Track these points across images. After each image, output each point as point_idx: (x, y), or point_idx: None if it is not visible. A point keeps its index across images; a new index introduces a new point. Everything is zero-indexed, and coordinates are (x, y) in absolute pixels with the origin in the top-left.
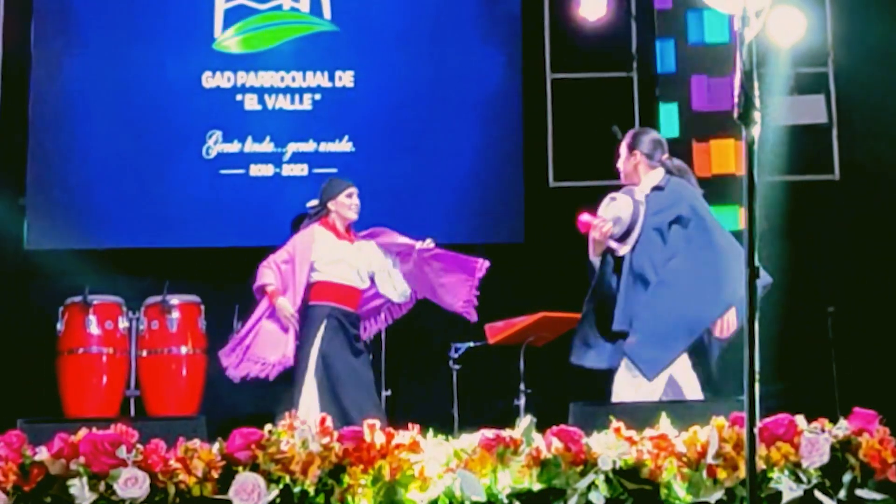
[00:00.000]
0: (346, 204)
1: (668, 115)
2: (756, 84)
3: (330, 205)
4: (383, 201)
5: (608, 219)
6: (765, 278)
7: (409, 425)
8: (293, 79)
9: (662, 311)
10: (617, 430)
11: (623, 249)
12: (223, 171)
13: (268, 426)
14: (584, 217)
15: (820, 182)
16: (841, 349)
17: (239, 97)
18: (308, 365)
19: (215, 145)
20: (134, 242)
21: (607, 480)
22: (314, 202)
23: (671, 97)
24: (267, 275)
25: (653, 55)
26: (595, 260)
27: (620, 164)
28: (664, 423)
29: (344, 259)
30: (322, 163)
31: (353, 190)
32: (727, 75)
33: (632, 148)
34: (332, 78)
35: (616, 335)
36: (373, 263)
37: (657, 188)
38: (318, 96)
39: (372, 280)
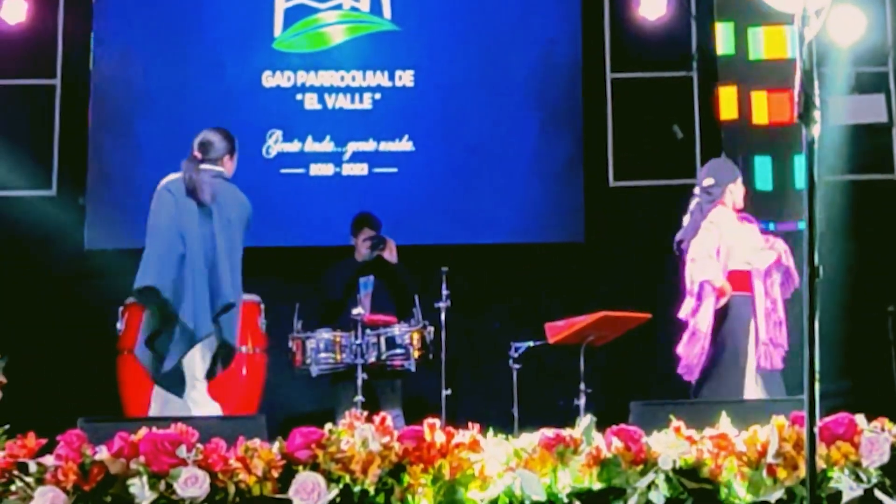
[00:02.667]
0: (736, 192)
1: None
2: (816, 83)
3: (728, 188)
4: (443, 201)
5: None
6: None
7: (470, 424)
8: (353, 78)
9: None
10: (677, 429)
11: None
12: (283, 171)
13: (328, 425)
14: None
15: (880, 181)
16: None
17: (299, 96)
18: (746, 352)
19: (275, 144)
20: None
21: (667, 480)
22: (710, 180)
23: None
24: (714, 268)
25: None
26: None
27: None
28: (724, 423)
29: (747, 245)
30: (382, 162)
31: (739, 177)
32: None
33: None
34: (392, 77)
35: None
36: (756, 246)
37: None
38: (378, 95)
39: None
